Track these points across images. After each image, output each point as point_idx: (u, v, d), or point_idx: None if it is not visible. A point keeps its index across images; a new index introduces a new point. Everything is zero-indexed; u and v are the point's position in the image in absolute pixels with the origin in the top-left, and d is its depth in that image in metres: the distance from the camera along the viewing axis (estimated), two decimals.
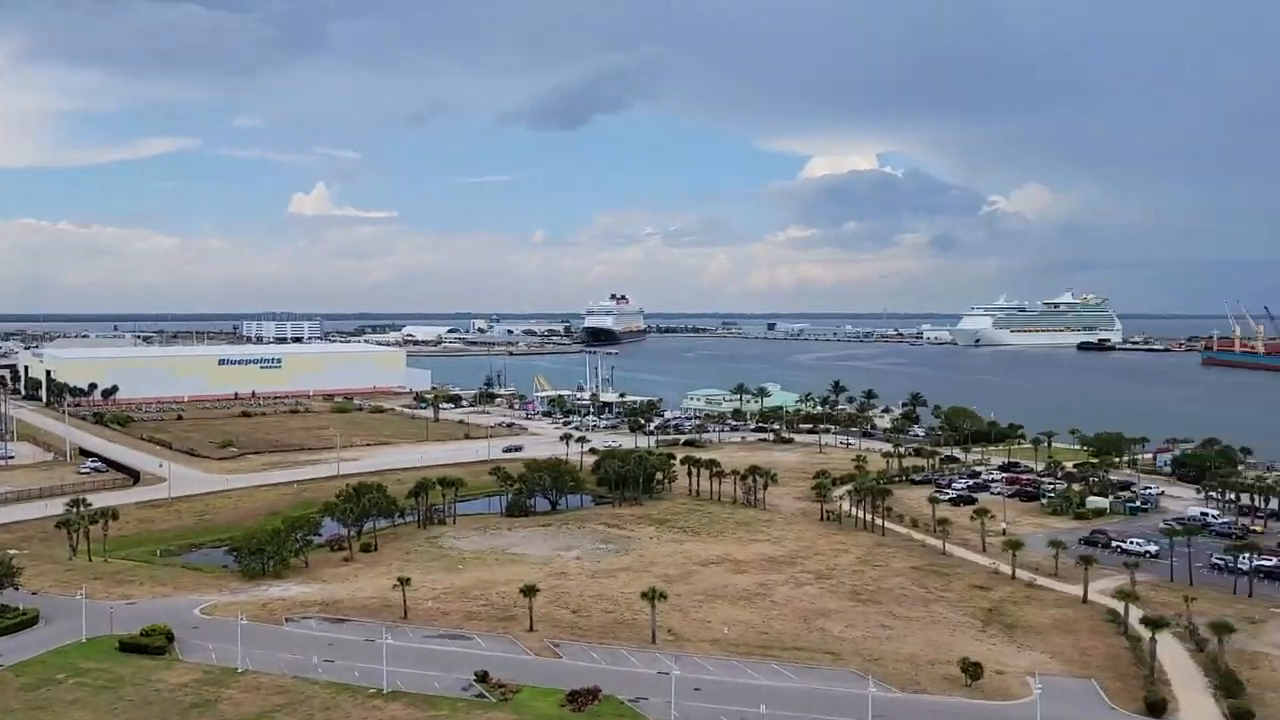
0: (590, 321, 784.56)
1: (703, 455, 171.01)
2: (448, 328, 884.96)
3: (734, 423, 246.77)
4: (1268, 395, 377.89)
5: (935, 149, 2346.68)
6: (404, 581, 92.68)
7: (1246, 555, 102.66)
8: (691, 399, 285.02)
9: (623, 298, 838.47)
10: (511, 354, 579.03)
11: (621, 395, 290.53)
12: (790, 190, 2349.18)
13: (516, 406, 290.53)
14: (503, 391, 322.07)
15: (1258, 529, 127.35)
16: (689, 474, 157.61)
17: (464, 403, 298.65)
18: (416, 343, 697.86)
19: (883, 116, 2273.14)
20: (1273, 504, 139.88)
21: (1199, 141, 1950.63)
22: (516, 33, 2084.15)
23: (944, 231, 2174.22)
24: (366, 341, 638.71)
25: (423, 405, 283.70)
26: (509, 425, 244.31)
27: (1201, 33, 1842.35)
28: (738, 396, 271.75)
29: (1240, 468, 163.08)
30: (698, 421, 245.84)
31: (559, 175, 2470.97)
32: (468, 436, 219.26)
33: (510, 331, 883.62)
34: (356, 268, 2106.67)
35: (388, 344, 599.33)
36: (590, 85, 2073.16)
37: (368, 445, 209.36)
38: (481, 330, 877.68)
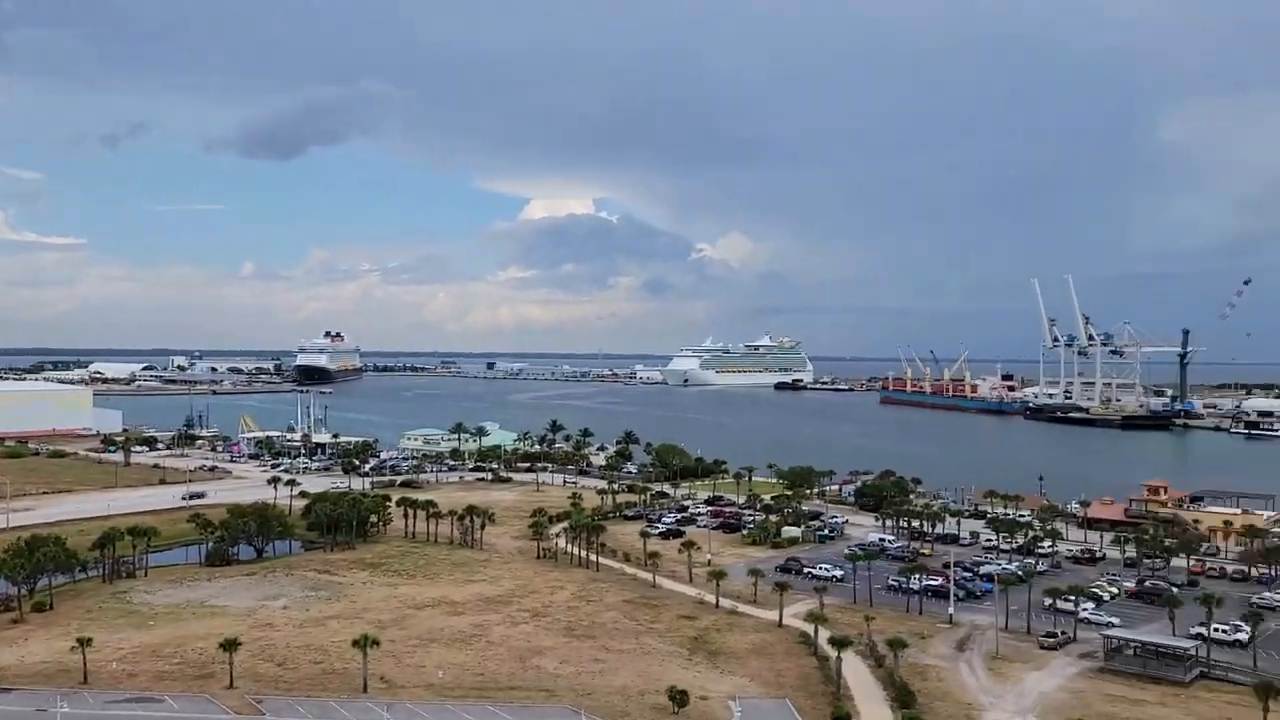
0: (302, 360, 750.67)
1: (419, 496, 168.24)
2: (143, 365, 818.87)
3: (452, 462, 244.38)
4: (933, 430, 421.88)
5: (648, 197, 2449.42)
6: (84, 642, 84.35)
7: (916, 576, 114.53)
8: (409, 439, 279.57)
9: (338, 335, 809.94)
10: (215, 393, 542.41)
11: (335, 436, 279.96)
12: (511, 231, 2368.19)
13: (220, 449, 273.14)
14: (205, 433, 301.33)
15: (926, 551, 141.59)
16: (405, 516, 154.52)
17: (160, 445, 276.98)
18: (106, 381, 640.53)
19: (599, 163, 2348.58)
20: (939, 528, 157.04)
21: (870, 198, 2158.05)
22: (227, 57, 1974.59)
23: (656, 276, 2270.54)
24: (46, 379, 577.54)
25: (112, 449, 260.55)
26: (211, 468, 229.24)
27: (876, 100, 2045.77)
28: (456, 436, 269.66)
29: (912, 496, 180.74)
30: (415, 462, 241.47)
31: (271, 207, 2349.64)
32: (163, 481, 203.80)
33: (214, 369, 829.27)
34: (35, 298, 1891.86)
35: (71, 382, 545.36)
36: (306, 116, 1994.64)
37: (44, 494, 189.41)
38: (181, 368, 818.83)
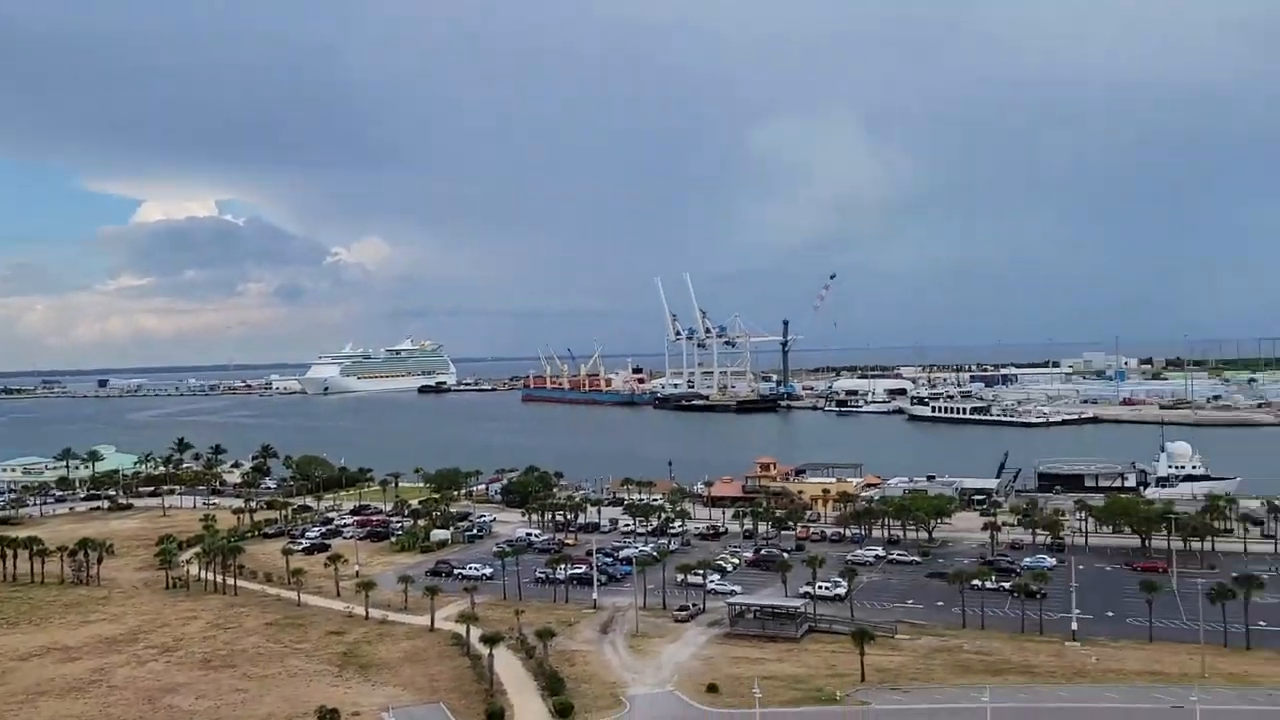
0: None
1: (19, 533, 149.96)
2: None
3: (60, 493, 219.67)
4: (572, 424, 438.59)
5: (277, 199, 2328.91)
6: None
7: (562, 566, 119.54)
8: (4, 470, 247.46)
9: None
10: None
11: None
12: (122, 235, 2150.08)
13: None
14: None
15: (570, 542, 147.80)
16: (2, 557, 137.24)
17: None
18: None
19: (222, 164, 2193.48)
20: (582, 518, 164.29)
21: (500, 200, 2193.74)
22: None
23: (290, 281, 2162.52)
24: None
25: None
26: None
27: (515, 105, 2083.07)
28: (64, 463, 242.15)
29: (555, 490, 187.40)
30: (14, 495, 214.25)
31: None
32: None
33: None
34: None
35: None
36: None
37: None
38: None
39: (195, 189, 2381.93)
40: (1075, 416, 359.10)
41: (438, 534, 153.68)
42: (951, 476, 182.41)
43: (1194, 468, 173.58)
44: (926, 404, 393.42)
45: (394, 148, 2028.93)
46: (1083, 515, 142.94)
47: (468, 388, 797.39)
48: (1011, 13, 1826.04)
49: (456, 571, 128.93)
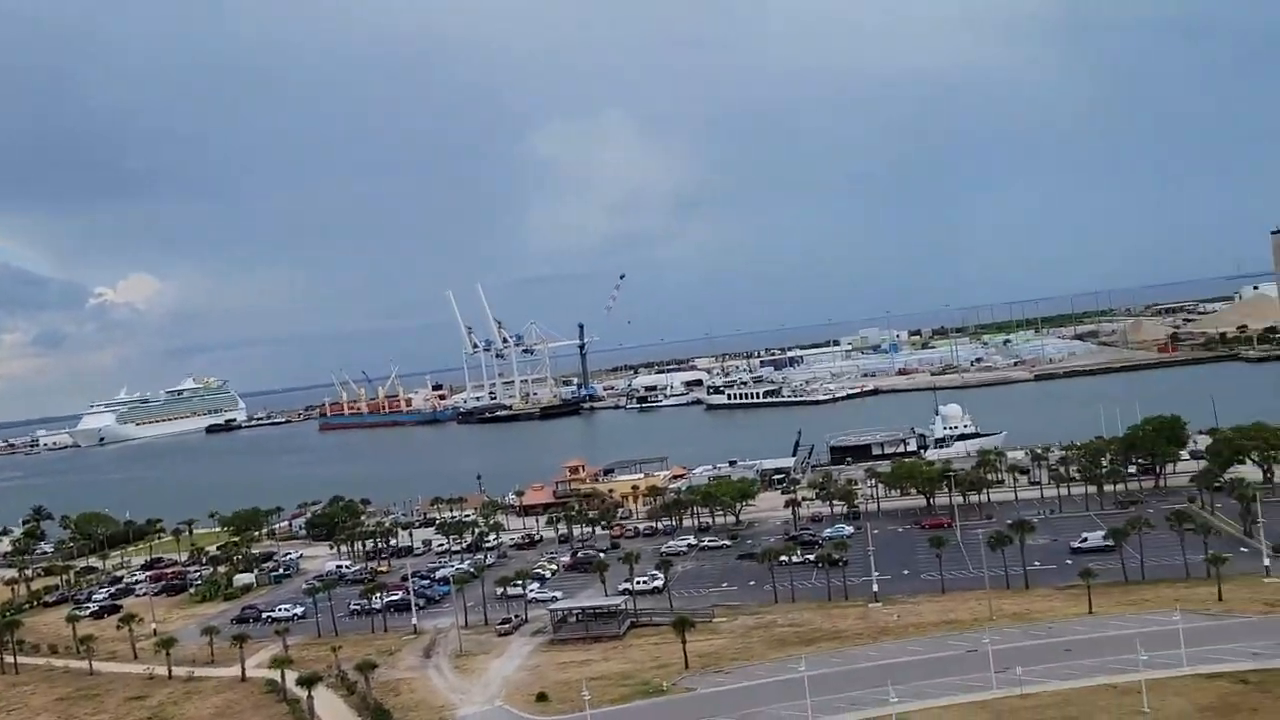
0: None
1: None
2: None
3: None
4: (375, 448, 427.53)
5: (27, 241, 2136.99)
6: None
7: (377, 595, 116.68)
8: None
9: None
10: None
11: None
12: None
13: None
14: None
15: (384, 569, 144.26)
16: None
17: None
18: None
19: None
20: (394, 543, 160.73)
21: (268, 227, 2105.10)
22: None
23: (50, 328, 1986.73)
24: None
25: None
26: None
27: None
28: None
29: (363, 517, 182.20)
30: None
31: None
32: None
33: None
34: None
35: None
36: None
37: None
38: None
39: None
40: (858, 390, 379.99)
41: (241, 578, 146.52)
42: (752, 460, 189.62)
43: (965, 427, 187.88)
44: (722, 392, 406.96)
45: (153, 176, 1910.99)
46: (873, 482, 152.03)
47: (260, 422, 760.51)
48: (787, 6, 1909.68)
49: (265, 615, 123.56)
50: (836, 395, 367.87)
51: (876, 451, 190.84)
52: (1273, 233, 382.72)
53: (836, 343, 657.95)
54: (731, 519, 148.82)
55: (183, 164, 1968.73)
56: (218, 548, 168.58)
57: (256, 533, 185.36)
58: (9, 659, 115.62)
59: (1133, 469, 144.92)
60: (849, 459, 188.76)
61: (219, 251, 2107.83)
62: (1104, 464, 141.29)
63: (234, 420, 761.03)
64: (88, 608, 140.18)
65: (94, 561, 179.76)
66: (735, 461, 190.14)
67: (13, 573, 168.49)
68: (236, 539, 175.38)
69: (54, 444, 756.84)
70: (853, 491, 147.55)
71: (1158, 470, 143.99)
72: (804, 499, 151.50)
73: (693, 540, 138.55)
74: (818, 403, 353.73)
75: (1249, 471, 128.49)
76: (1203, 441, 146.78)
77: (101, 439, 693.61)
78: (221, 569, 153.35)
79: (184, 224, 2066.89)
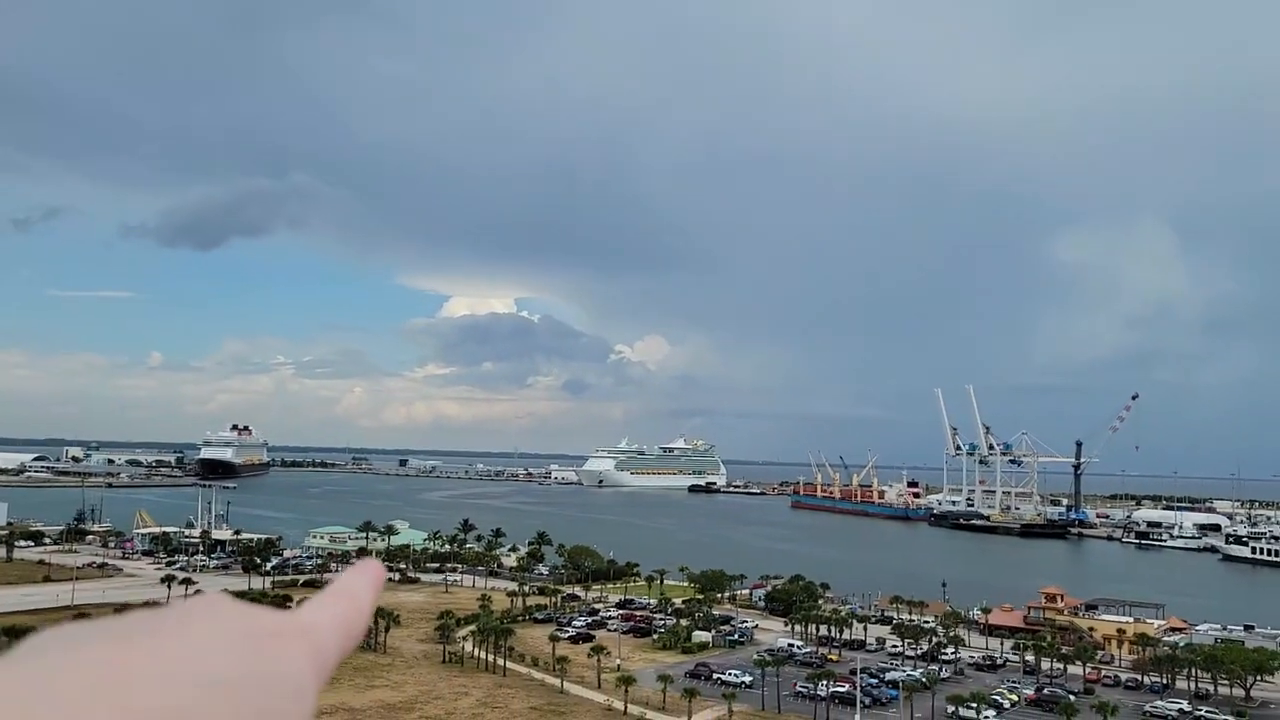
0: (207, 453, 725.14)
1: None
2: (34, 455, 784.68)
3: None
4: (841, 534, 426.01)
5: (569, 298, 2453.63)
6: None
7: (824, 682, 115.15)
8: (315, 537, 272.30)
9: (245, 428, 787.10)
10: (111, 485, 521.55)
11: (237, 532, 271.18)
12: (430, 327, 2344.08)
13: (112, 545, 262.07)
14: (96, 528, 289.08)
15: (833, 657, 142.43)
16: None
17: (47, 540, 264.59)
18: None
19: (522, 264, 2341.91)
20: (847, 634, 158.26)
21: (782, 307, 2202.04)
22: (157, 144, 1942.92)
23: (575, 376, 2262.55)
24: None
25: None
26: (101, 565, 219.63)
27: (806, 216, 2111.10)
28: (364, 534, 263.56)
29: (820, 601, 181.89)
30: (320, 561, 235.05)
31: (186, 296, 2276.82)
32: (48, 579, 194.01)
33: (111, 461, 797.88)
34: None
35: None
36: (231, 207, 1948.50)
37: None
38: (76, 459, 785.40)
39: (498, 287, 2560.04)
40: None
41: (699, 635, 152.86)
42: (1275, 629, 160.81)
43: None
44: (1246, 543, 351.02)
45: (683, 253, 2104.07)
46: None
47: (737, 490, 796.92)
48: None
49: (716, 675, 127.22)
50: None
51: None
52: None
53: None
54: (1239, 693, 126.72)
55: (709, 246, 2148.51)
56: (683, 601, 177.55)
57: (719, 594, 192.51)
58: (500, 661, 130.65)
59: None
60: None
61: (726, 324, 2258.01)
62: None
63: (714, 483, 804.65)
64: (566, 631, 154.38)
65: (577, 590, 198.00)
66: (1253, 627, 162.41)
67: (515, 586, 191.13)
68: (700, 596, 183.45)
69: (562, 479, 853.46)
70: None
71: None
72: None
73: (1186, 706, 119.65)
74: None
75: None
76: None
77: (600, 481, 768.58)
78: (684, 622, 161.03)
79: (700, 296, 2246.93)
